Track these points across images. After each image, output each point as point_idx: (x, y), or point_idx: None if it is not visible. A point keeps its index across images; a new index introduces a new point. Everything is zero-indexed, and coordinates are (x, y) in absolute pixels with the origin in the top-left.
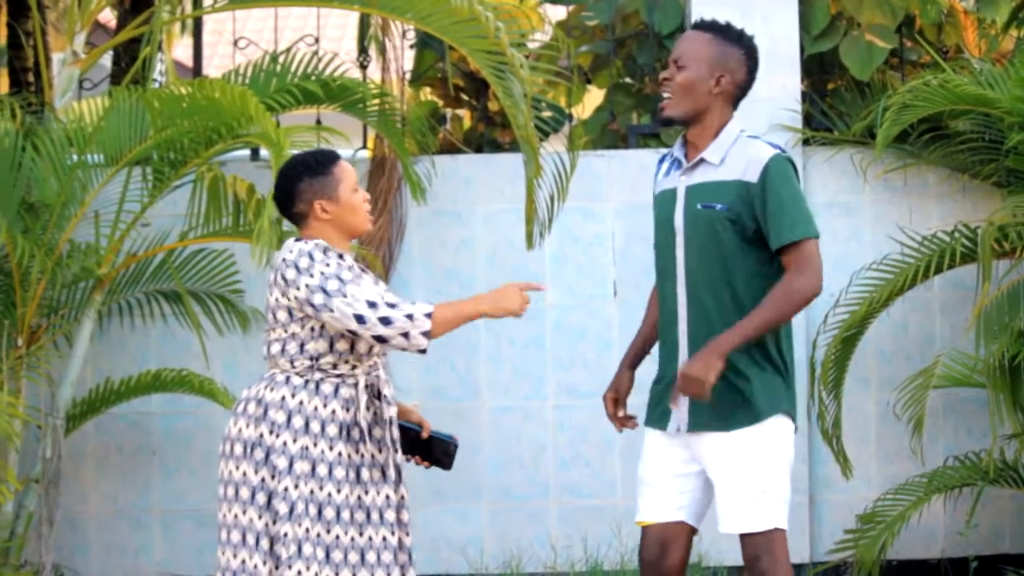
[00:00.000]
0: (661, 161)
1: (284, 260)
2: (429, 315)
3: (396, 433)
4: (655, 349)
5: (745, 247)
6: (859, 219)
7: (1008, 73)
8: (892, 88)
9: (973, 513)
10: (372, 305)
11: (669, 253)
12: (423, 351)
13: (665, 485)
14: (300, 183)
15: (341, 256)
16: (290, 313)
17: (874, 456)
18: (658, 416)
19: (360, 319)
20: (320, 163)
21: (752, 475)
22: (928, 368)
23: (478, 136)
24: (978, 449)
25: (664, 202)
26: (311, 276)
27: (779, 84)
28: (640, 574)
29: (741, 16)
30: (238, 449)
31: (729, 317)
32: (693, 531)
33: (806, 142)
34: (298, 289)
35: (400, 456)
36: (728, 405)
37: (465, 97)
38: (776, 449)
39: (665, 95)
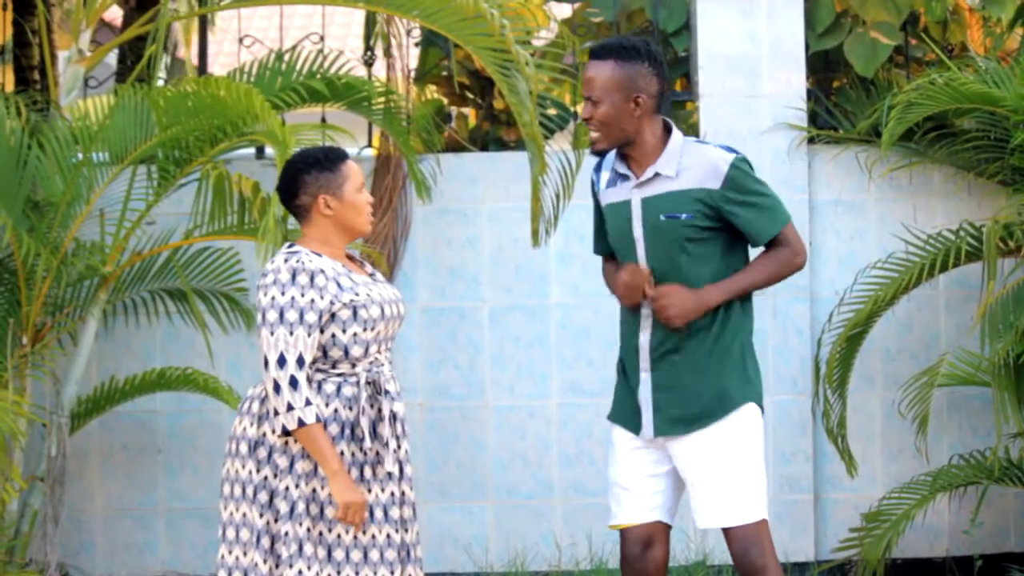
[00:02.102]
0: (597, 169)
1: (266, 268)
2: (303, 423)
3: (401, 429)
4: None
5: (706, 253)
6: (864, 217)
7: (1013, 71)
8: (897, 86)
9: (978, 512)
10: (281, 364)
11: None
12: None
13: (638, 487)
14: (307, 175)
15: (312, 279)
16: None
17: (879, 455)
18: (627, 418)
19: (265, 364)
20: (329, 158)
21: (724, 469)
22: (933, 367)
23: (483, 134)
24: (983, 448)
25: (618, 215)
26: (264, 294)
27: (784, 82)
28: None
29: (745, 14)
30: (243, 448)
31: (694, 326)
32: (669, 528)
33: (811, 140)
34: (259, 299)
35: (401, 452)
36: (693, 406)
37: (470, 95)
38: (748, 438)
39: (592, 133)
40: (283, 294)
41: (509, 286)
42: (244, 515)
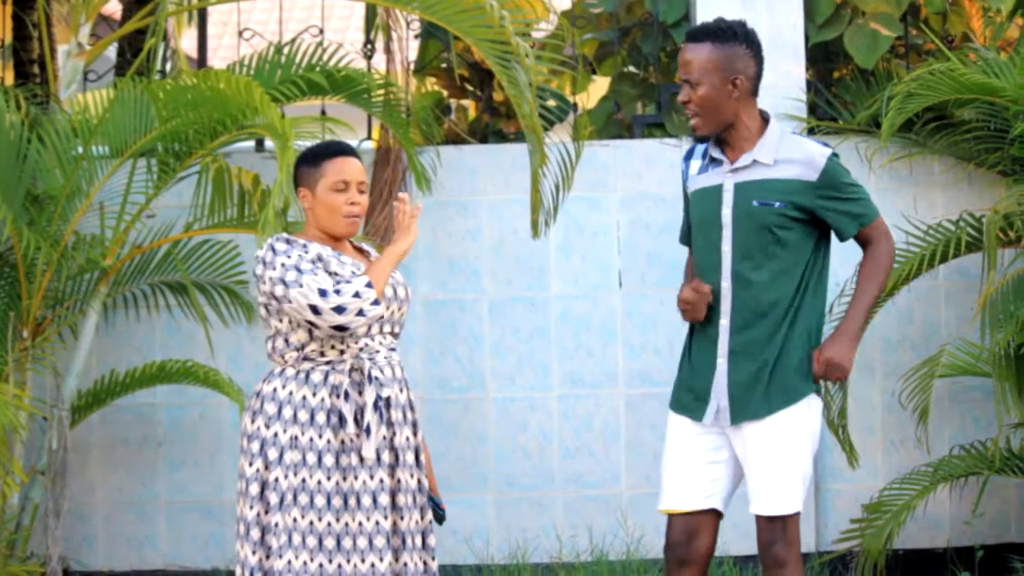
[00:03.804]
0: (687, 158)
1: (256, 256)
2: (370, 284)
3: (401, 415)
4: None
5: (793, 243)
6: None
7: (1013, 62)
8: (897, 77)
9: (979, 502)
10: (323, 294)
11: (714, 247)
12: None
13: (695, 474)
14: (298, 169)
15: (305, 247)
16: (267, 309)
17: (880, 445)
18: (690, 404)
19: (315, 310)
20: (316, 154)
21: (784, 459)
22: (933, 357)
23: (483, 126)
24: (984, 438)
25: (706, 199)
26: (273, 269)
27: (784, 73)
28: (666, 562)
29: (745, 5)
30: (244, 443)
31: (772, 312)
32: (720, 516)
33: (811, 131)
34: (264, 283)
35: (400, 439)
36: (768, 393)
37: (470, 87)
38: (809, 431)
39: (692, 116)
40: (289, 256)
41: (509, 278)
42: (248, 509)
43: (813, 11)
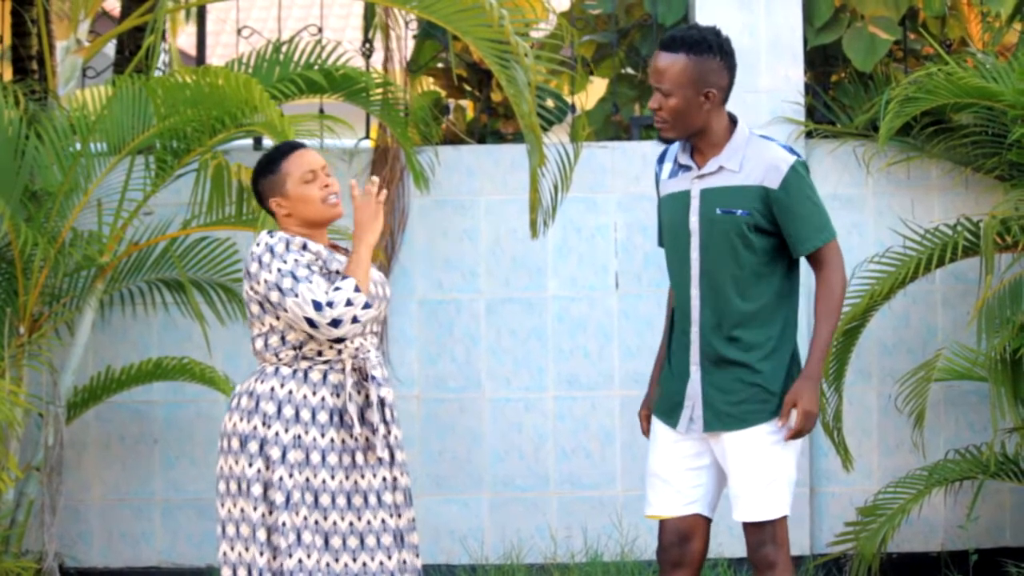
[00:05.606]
0: (660, 160)
1: (251, 253)
2: (358, 288)
3: (390, 414)
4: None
5: (759, 250)
6: (861, 212)
7: (1012, 67)
8: (896, 81)
9: (974, 506)
10: (318, 308)
11: (683, 254)
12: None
13: (677, 479)
14: (259, 184)
15: (305, 246)
16: (261, 306)
17: (875, 449)
18: (667, 411)
19: (311, 323)
20: (271, 161)
21: (766, 466)
22: (929, 361)
23: (481, 127)
24: (979, 443)
25: (676, 204)
26: (269, 272)
27: (782, 76)
28: (659, 565)
29: (744, 8)
30: (234, 444)
31: (741, 318)
32: (709, 521)
33: (809, 135)
34: (259, 283)
35: (393, 437)
36: (744, 403)
37: (468, 88)
38: (790, 440)
39: (660, 122)
40: (285, 262)
41: (506, 278)
42: (242, 510)
43: (812, 14)
